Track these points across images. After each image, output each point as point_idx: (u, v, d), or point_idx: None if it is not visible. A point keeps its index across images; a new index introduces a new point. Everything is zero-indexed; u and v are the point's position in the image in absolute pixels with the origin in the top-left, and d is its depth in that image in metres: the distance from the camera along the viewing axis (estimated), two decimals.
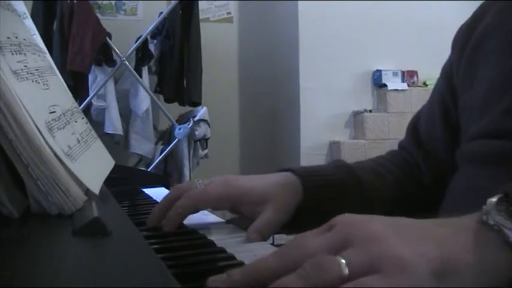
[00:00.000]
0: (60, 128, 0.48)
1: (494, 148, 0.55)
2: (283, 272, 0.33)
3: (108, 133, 2.81)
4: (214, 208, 0.62)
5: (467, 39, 0.66)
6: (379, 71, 3.26)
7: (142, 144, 2.97)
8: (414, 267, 0.32)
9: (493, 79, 0.59)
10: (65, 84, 0.61)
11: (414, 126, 0.76)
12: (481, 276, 0.33)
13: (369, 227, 0.35)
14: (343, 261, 0.32)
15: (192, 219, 0.61)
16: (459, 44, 0.67)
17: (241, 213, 0.62)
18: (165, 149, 2.92)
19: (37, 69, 0.50)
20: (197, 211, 0.60)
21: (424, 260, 0.32)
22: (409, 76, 3.30)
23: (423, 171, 0.73)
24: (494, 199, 0.35)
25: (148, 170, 2.77)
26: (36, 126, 0.43)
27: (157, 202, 0.73)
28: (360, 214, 0.37)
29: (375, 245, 0.33)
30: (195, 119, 2.89)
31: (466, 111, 0.64)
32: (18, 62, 0.46)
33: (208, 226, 0.61)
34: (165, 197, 0.61)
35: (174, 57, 2.91)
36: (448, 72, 0.69)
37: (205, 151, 3.06)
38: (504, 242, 0.33)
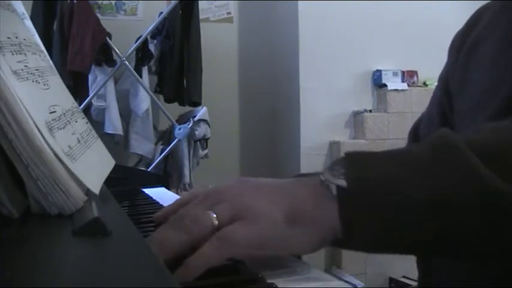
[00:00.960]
0: (61, 128, 0.48)
1: None
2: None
3: (108, 133, 2.81)
4: None
5: (461, 45, 0.66)
6: (379, 71, 3.26)
7: (142, 144, 2.97)
8: (270, 213, 0.40)
9: (484, 84, 0.60)
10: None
11: (415, 131, 0.77)
12: (319, 223, 0.41)
13: (233, 187, 0.44)
14: (214, 214, 0.41)
15: None
16: (454, 50, 0.68)
17: None
18: (165, 149, 2.92)
19: (37, 69, 0.50)
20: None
21: (276, 208, 0.41)
22: (409, 76, 3.30)
23: None
24: (332, 161, 0.43)
25: (148, 170, 2.77)
26: (36, 126, 0.43)
27: (157, 202, 0.73)
28: None
29: (237, 199, 0.42)
30: (195, 119, 2.89)
31: (459, 116, 0.64)
32: (18, 62, 0.46)
33: None
34: (179, 199, 0.58)
35: (174, 57, 2.91)
36: (444, 77, 0.70)
37: (205, 151, 3.06)
38: (331, 195, 0.41)
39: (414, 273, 0.71)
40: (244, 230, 0.40)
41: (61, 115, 0.50)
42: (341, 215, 0.40)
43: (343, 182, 0.40)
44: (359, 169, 0.40)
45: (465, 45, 0.66)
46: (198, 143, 2.98)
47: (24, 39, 0.51)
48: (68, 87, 0.59)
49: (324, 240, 0.42)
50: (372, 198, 0.39)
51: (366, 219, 0.39)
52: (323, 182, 0.41)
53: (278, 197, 0.42)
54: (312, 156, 3.17)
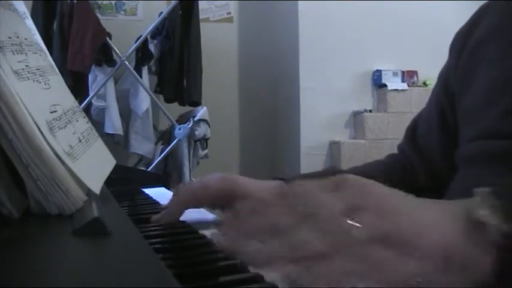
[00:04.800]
0: (61, 128, 0.48)
1: (496, 148, 0.55)
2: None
3: (108, 133, 2.81)
4: (212, 202, 0.63)
5: (464, 44, 0.66)
6: (379, 71, 3.26)
7: (142, 144, 2.97)
8: (424, 251, 0.31)
9: (492, 81, 0.59)
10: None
11: (412, 130, 0.77)
12: (470, 270, 0.32)
13: (382, 196, 0.34)
14: (359, 225, 0.32)
15: (191, 218, 0.61)
16: (456, 49, 0.68)
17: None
18: (165, 149, 2.92)
19: (38, 69, 0.50)
20: (198, 204, 0.61)
21: (435, 247, 0.32)
22: (409, 76, 3.30)
23: (419, 174, 0.73)
24: (483, 191, 0.34)
25: (148, 170, 2.77)
26: (37, 125, 0.43)
27: (157, 202, 0.73)
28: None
29: (388, 217, 0.33)
30: (195, 119, 2.89)
31: (464, 113, 0.64)
32: (19, 61, 0.46)
33: (209, 224, 0.61)
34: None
35: (174, 57, 2.91)
36: (445, 76, 0.70)
37: (205, 151, 3.06)
38: (488, 239, 0.32)
39: None
40: (393, 262, 0.31)
41: (62, 114, 0.50)
42: (499, 264, 0.32)
43: (504, 226, 0.32)
44: None
45: (468, 43, 0.65)
46: (198, 143, 2.98)
47: (25, 39, 0.51)
48: (68, 87, 0.59)
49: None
50: None
51: None
52: (478, 221, 0.33)
53: (434, 231, 0.33)
54: (312, 156, 3.17)
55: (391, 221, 0.32)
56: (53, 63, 0.60)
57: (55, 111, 0.49)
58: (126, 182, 0.91)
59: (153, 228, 0.56)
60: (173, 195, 0.62)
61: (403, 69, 3.29)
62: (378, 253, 0.31)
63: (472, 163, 0.59)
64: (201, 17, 3.01)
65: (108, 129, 2.82)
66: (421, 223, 0.33)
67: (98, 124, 2.77)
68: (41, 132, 0.43)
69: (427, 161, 0.72)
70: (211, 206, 0.64)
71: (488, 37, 0.62)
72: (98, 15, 2.84)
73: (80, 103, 2.64)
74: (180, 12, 2.90)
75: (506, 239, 0.32)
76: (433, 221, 0.34)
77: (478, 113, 0.60)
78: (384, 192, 0.35)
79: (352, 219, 0.32)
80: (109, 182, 0.57)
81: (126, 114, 3.02)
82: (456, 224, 0.33)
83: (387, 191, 0.35)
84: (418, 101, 3.15)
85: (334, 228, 0.32)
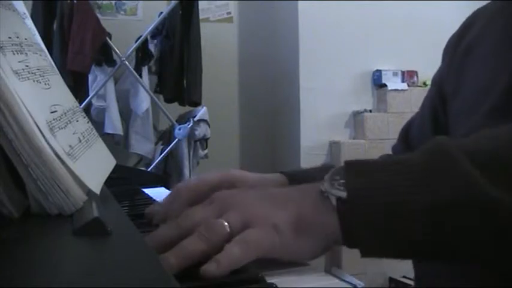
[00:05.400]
0: (62, 128, 0.48)
1: None
2: (179, 239, 0.42)
3: (108, 133, 2.81)
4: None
5: (456, 47, 0.67)
6: (379, 71, 3.26)
7: (142, 144, 2.97)
8: (278, 221, 0.42)
9: (478, 83, 0.60)
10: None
11: (406, 132, 0.78)
12: (321, 232, 0.43)
13: (241, 196, 0.47)
14: (225, 222, 0.42)
15: None
16: (449, 52, 0.69)
17: None
18: (165, 149, 2.92)
19: (38, 69, 0.50)
20: (195, 196, 0.62)
21: (284, 217, 0.42)
22: (409, 76, 3.30)
23: None
24: (332, 170, 0.44)
25: (148, 170, 2.77)
26: (37, 125, 0.43)
27: (157, 202, 0.73)
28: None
29: (246, 207, 0.44)
30: (195, 119, 2.89)
31: (454, 117, 0.65)
32: (19, 61, 0.46)
33: None
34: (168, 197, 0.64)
35: (174, 57, 2.91)
36: (438, 80, 0.71)
37: (205, 151, 3.06)
38: (332, 206, 0.42)
39: None
40: (261, 235, 0.41)
41: (62, 114, 0.50)
42: (341, 225, 0.41)
43: (342, 193, 0.41)
44: (357, 179, 0.42)
45: (460, 47, 0.66)
46: (198, 143, 2.98)
47: (25, 39, 0.51)
48: (68, 87, 0.59)
49: (325, 248, 0.44)
50: (371, 208, 0.40)
51: (365, 229, 0.40)
52: (323, 193, 0.43)
53: (284, 205, 0.44)
54: (312, 156, 3.17)
55: (249, 209, 0.44)
56: (53, 63, 0.60)
57: (55, 111, 0.49)
58: (126, 182, 0.91)
59: (153, 229, 0.56)
60: (170, 193, 0.63)
61: (403, 69, 3.29)
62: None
63: None
64: (201, 17, 3.01)
65: (108, 129, 2.82)
66: (269, 202, 0.44)
67: (98, 124, 2.77)
68: (41, 132, 0.43)
69: None
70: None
71: (478, 41, 0.63)
72: (98, 15, 2.83)
73: (80, 103, 2.64)
74: (180, 12, 2.89)
75: (342, 203, 0.41)
76: (284, 196, 0.45)
77: (466, 115, 0.61)
78: (246, 192, 0.48)
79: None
80: (109, 182, 0.57)
81: (126, 114, 3.02)
82: (306, 197, 0.44)
83: (249, 191, 0.48)
84: (418, 101, 3.10)
85: (204, 229, 0.43)
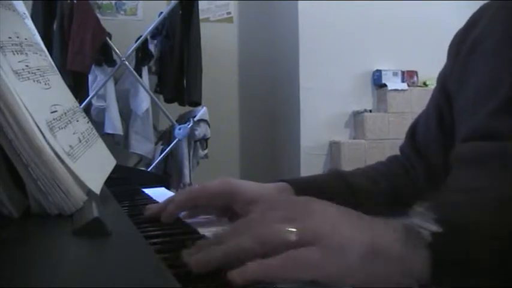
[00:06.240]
0: (62, 128, 0.48)
1: (485, 149, 0.56)
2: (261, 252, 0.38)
3: (108, 133, 2.81)
4: (209, 202, 0.63)
5: (461, 45, 0.67)
6: (379, 71, 3.26)
7: (142, 144, 2.97)
8: (347, 246, 0.37)
9: (482, 82, 0.60)
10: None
11: (413, 131, 0.78)
12: (404, 265, 0.38)
13: (311, 208, 0.41)
14: (294, 234, 0.38)
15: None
16: (453, 51, 0.69)
17: (235, 212, 0.63)
18: (165, 149, 2.92)
19: (38, 69, 0.50)
20: (195, 203, 0.63)
21: (359, 242, 0.37)
22: (409, 76, 3.30)
23: (419, 174, 0.74)
24: (418, 208, 0.41)
25: (149, 170, 2.77)
26: (37, 125, 0.43)
27: (157, 202, 0.73)
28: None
29: (319, 224, 0.39)
30: (195, 119, 2.89)
31: (458, 114, 0.65)
32: (19, 61, 0.46)
33: (209, 224, 0.61)
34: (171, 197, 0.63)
35: (174, 57, 2.91)
36: (443, 78, 0.71)
37: (205, 151, 3.06)
38: (424, 243, 0.38)
39: None
40: (320, 259, 0.36)
41: (62, 114, 0.50)
42: (433, 262, 0.38)
43: (436, 228, 0.39)
44: (450, 216, 0.40)
45: (464, 45, 0.66)
46: (198, 143, 2.98)
47: (25, 39, 0.51)
48: (68, 87, 0.59)
49: (400, 284, 0.38)
50: (466, 245, 0.39)
51: (460, 266, 0.38)
52: (413, 226, 0.39)
53: (361, 228, 0.39)
54: (312, 156, 3.17)
55: (319, 224, 0.39)
56: (53, 63, 0.60)
57: (55, 111, 0.49)
58: (126, 182, 0.91)
59: (153, 228, 0.56)
60: (171, 196, 0.63)
61: (403, 69, 3.29)
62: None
63: (464, 164, 0.59)
64: (201, 17, 3.01)
65: (108, 129, 2.82)
66: (344, 222, 0.40)
67: (98, 124, 2.77)
68: (41, 132, 0.43)
69: (426, 161, 0.73)
70: (208, 206, 0.64)
71: (481, 39, 0.63)
72: (98, 15, 2.84)
73: (80, 103, 2.64)
74: (180, 12, 2.90)
75: (436, 238, 0.38)
76: (361, 221, 0.40)
77: (470, 113, 0.61)
78: (316, 203, 0.43)
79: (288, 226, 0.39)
80: (109, 182, 0.57)
81: (126, 114, 3.02)
82: (388, 229, 0.39)
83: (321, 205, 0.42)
84: (418, 101, 3.15)
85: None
